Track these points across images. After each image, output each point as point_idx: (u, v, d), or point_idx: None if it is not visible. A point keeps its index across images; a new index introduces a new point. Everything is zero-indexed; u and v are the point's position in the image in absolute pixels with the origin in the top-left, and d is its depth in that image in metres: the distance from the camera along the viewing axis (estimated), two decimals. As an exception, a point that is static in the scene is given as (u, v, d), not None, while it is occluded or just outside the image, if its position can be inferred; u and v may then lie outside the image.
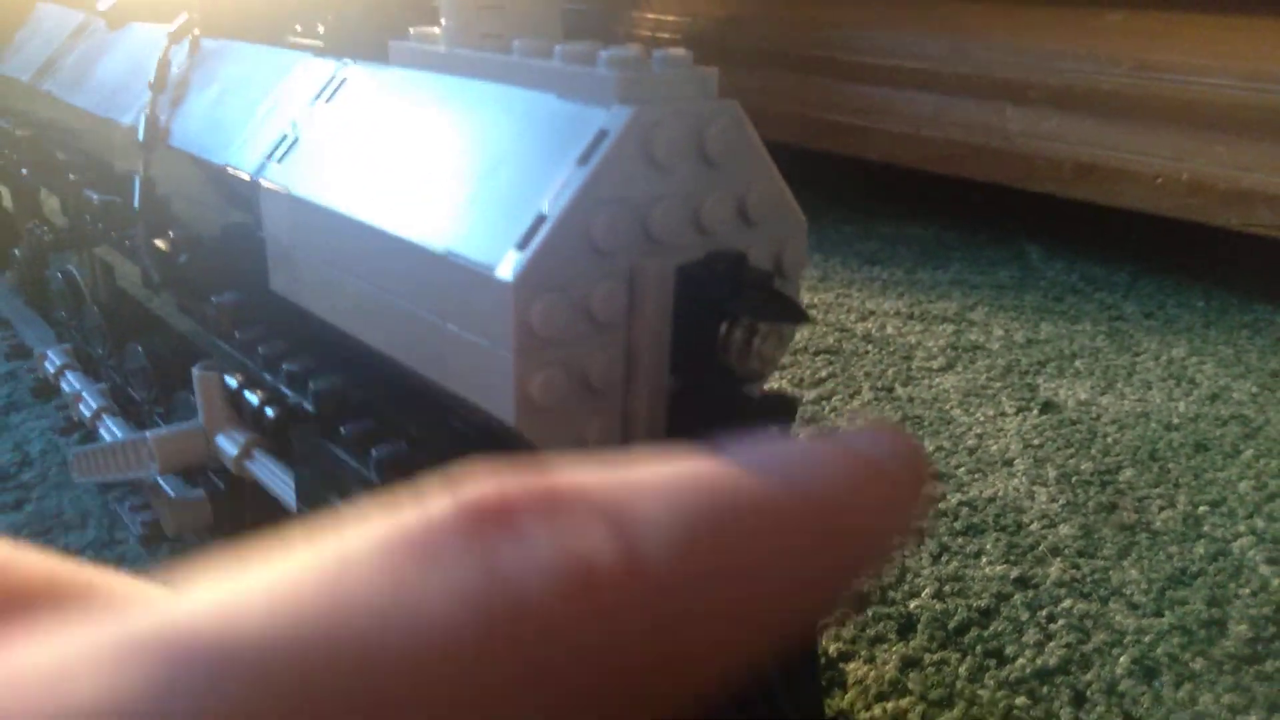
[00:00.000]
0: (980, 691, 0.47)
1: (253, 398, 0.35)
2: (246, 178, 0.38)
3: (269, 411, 0.34)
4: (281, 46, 0.43)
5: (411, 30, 0.36)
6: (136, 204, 0.43)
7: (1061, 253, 1.29)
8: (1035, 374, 0.89)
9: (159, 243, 0.41)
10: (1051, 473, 0.70)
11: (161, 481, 0.49)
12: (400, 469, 0.31)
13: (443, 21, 0.34)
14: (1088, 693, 0.48)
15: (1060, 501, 0.66)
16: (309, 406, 0.33)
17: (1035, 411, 0.81)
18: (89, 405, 0.58)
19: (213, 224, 0.42)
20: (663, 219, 0.28)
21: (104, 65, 0.55)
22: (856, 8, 1.44)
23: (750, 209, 0.31)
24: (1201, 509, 0.66)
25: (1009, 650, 0.51)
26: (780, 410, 0.30)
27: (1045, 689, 0.48)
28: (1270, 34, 1.07)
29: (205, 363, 0.42)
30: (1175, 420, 0.81)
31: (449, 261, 0.28)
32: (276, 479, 0.38)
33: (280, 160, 0.37)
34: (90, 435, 0.66)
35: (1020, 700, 0.47)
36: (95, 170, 0.52)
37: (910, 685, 0.48)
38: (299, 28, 0.43)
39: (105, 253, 0.50)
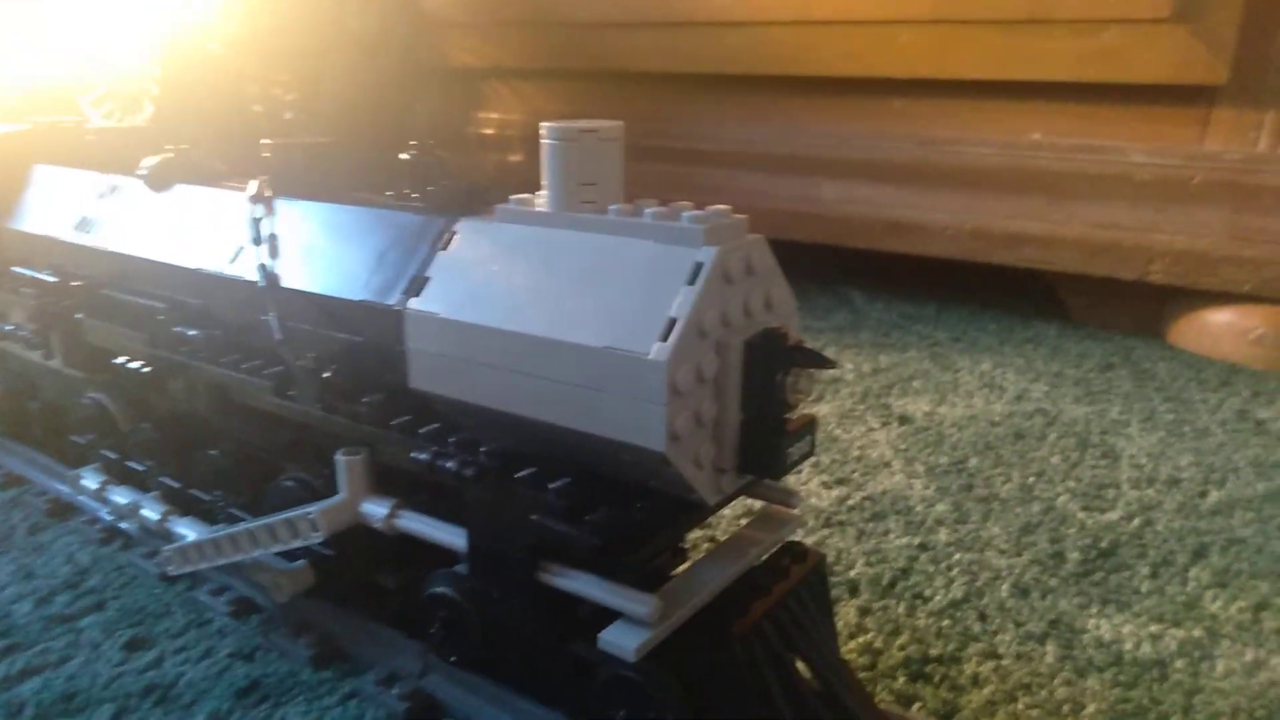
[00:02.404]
0: (917, 622, 0.66)
1: (450, 464, 0.48)
2: (389, 308, 0.51)
3: (467, 472, 0.47)
4: (372, 207, 0.57)
5: (511, 198, 0.51)
6: (278, 336, 0.54)
7: (879, 295, 1.56)
8: (886, 395, 1.11)
9: (304, 363, 0.53)
10: (920, 468, 0.91)
11: (264, 560, 0.60)
12: (574, 498, 0.45)
13: (545, 191, 0.49)
14: (986, 611, 0.67)
15: (932, 488, 0.87)
16: (486, 465, 0.47)
17: (895, 424, 1.02)
18: (153, 510, 0.67)
19: (337, 344, 0.54)
20: (733, 311, 0.45)
21: (169, 223, 0.66)
22: (687, 103, 1.67)
23: (771, 301, 0.48)
24: (1030, 480, 0.89)
25: (927, 592, 0.69)
26: (808, 429, 0.48)
27: (958, 613, 0.67)
28: (1017, 114, 1.38)
29: (346, 449, 0.54)
30: (996, 418, 1.04)
31: (608, 352, 0.43)
32: (430, 528, 0.52)
33: (418, 294, 0.51)
34: (131, 542, 0.74)
35: (945, 623, 0.66)
36: (180, 311, 0.63)
37: (868, 625, 0.65)
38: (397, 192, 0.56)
39: (204, 372, 0.60)
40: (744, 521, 0.76)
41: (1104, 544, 0.77)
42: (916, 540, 0.77)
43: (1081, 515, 0.82)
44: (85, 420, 0.75)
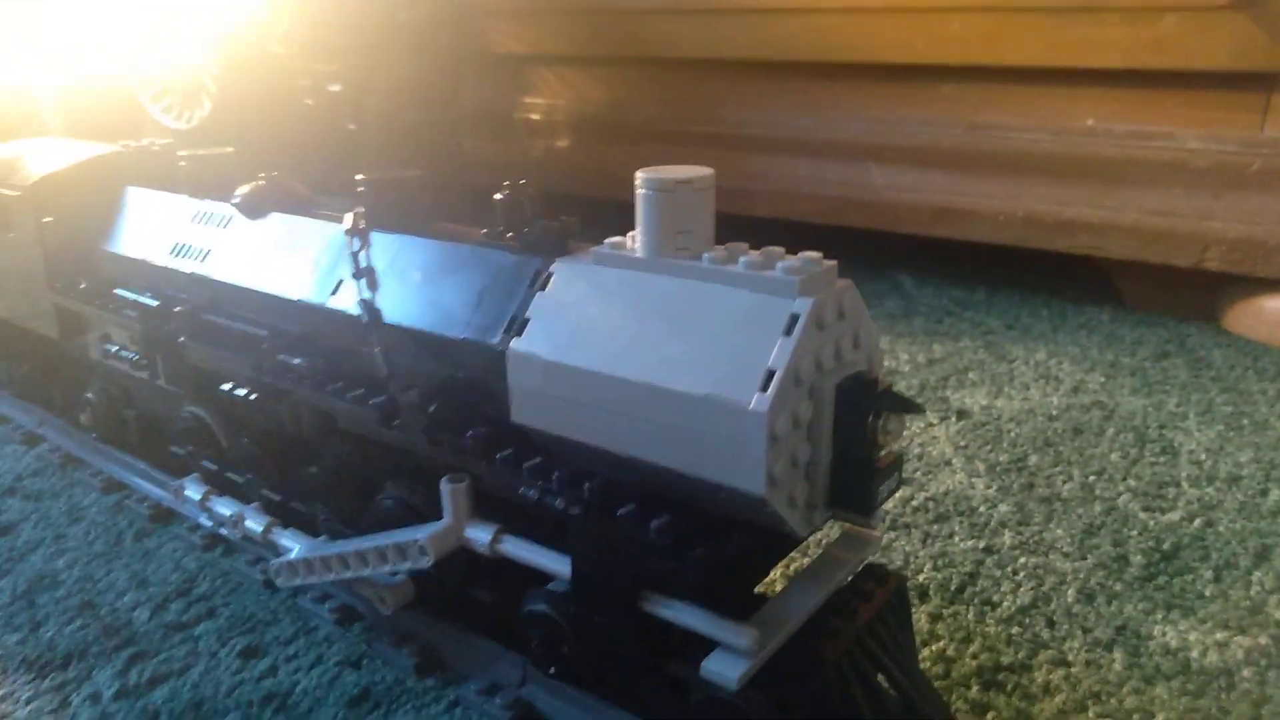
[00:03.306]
0: (987, 629, 0.68)
1: (557, 502, 0.51)
2: (493, 348, 0.54)
3: (573, 510, 0.50)
4: (467, 244, 0.60)
5: (607, 241, 0.54)
6: (384, 372, 0.58)
7: (929, 281, 1.56)
8: (943, 387, 1.13)
9: (409, 398, 0.57)
10: (981, 466, 0.93)
11: (370, 576, 0.64)
12: (675, 533, 0.48)
13: (640, 237, 0.52)
14: (1054, 617, 0.70)
15: (994, 488, 0.89)
16: (590, 502, 0.50)
17: (954, 419, 1.04)
18: (257, 522, 0.71)
19: (439, 377, 0.58)
20: (825, 356, 0.47)
21: (265, 250, 0.69)
22: (733, 89, 1.68)
23: (859, 339, 0.50)
24: (1091, 478, 0.91)
25: (995, 598, 0.72)
26: (895, 466, 0.50)
27: (1027, 620, 0.69)
28: (1070, 99, 1.37)
29: (450, 476, 0.57)
30: (1054, 412, 1.06)
31: (709, 399, 0.46)
32: (533, 554, 0.55)
33: (520, 334, 0.53)
34: (232, 547, 0.79)
35: (1015, 630, 0.68)
36: (282, 339, 0.66)
37: (940, 632, 0.68)
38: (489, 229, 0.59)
39: (310, 399, 0.64)
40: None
41: (1166, 546, 0.78)
42: (981, 544, 0.79)
43: (1143, 516, 0.84)
44: (185, 433, 0.79)
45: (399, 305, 0.60)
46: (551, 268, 0.55)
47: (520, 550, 0.56)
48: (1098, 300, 1.46)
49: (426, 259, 0.61)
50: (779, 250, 0.51)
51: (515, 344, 0.53)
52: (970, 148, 1.46)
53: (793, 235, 1.72)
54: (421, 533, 0.57)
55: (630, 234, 0.54)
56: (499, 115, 1.96)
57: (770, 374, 0.45)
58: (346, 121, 1.86)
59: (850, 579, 0.56)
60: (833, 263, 0.50)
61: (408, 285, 0.60)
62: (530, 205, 0.58)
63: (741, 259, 0.49)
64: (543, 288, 0.54)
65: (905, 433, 1.01)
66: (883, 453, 0.50)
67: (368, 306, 0.60)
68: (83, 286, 0.81)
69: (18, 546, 0.79)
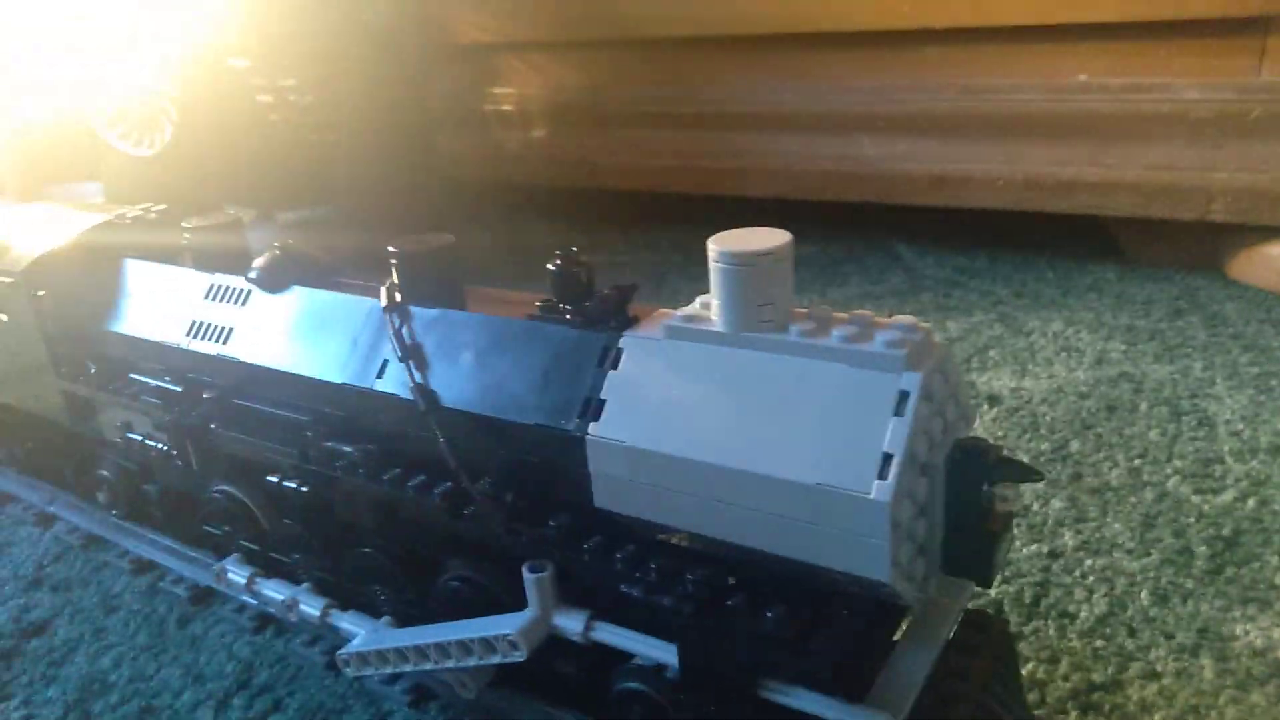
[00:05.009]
0: (1071, 644, 0.68)
1: (665, 600, 0.49)
2: (570, 434, 0.51)
3: (686, 609, 0.48)
4: (520, 319, 0.56)
5: (679, 312, 0.51)
6: (452, 464, 0.55)
7: (929, 251, 1.55)
8: (967, 371, 1.12)
9: (481, 487, 0.54)
10: (1024, 458, 0.92)
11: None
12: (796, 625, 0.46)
13: (718, 310, 0.49)
14: (1134, 624, 0.69)
15: (1043, 481, 0.88)
16: (699, 597, 0.48)
17: (986, 405, 1.03)
18: (312, 606, 0.69)
19: (509, 463, 0.55)
20: (935, 429, 0.45)
21: (292, 328, 0.65)
22: (714, 67, 1.63)
23: (958, 399, 0.48)
24: (1136, 461, 0.90)
25: (1071, 608, 0.71)
26: (1008, 526, 0.48)
27: (1108, 630, 0.69)
28: (1061, 55, 1.35)
29: (531, 564, 0.55)
30: (1083, 388, 1.05)
31: (823, 489, 0.44)
32: (632, 641, 0.53)
33: (596, 419, 0.51)
34: (284, 627, 0.76)
35: (1099, 643, 0.67)
36: (325, 425, 0.63)
37: (1025, 653, 0.67)
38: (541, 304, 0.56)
39: (365, 489, 0.61)
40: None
41: (1226, 532, 0.78)
42: (1045, 547, 0.78)
43: (1196, 499, 0.83)
44: (219, 513, 0.75)
45: (453, 388, 0.57)
46: (620, 343, 0.52)
47: (618, 638, 0.53)
48: (1100, 257, 1.45)
49: (476, 336, 0.57)
50: (868, 315, 0.49)
51: (593, 428, 0.51)
52: (962, 112, 1.43)
53: (786, 212, 1.69)
54: (509, 625, 0.54)
55: (700, 300, 0.52)
56: (468, 109, 1.90)
57: (887, 458, 0.43)
58: (310, 133, 1.79)
59: (954, 632, 0.55)
60: (928, 325, 0.48)
61: (459, 365, 0.57)
62: (586, 274, 0.55)
63: (835, 331, 0.47)
64: (614, 366, 0.52)
65: (941, 426, 0.99)
66: (996, 518, 0.48)
67: (423, 392, 0.57)
68: (92, 371, 0.76)
69: (57, 647, 0.76)
